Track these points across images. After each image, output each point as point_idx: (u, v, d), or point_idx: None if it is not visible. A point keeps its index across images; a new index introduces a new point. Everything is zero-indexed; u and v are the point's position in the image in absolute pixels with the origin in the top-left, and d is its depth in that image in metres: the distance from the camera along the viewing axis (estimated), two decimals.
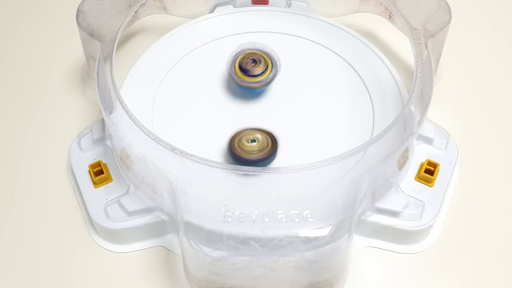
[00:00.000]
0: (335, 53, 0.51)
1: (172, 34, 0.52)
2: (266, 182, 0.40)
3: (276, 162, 0.44)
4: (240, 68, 0.47)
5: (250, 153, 0.43)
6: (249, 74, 0.47)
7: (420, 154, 0.46)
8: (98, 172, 0.45)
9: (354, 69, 0.50)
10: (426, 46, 0.46)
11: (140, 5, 0.50)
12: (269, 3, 0.54)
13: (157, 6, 0.53)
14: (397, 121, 0.42)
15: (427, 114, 0.43)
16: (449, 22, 0.47)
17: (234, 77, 0.47)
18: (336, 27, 0.53)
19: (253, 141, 0.44)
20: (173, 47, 0.51)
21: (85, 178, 0.45)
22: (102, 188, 0.44)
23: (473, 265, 0.44)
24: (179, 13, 0.54)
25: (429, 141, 0.47)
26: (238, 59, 0.47)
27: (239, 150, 0.44)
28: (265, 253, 0.38)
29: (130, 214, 0.43)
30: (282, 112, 0.48)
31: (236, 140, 0.44)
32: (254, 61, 0.47)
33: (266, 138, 0.44)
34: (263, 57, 0.47)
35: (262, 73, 0.47)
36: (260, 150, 0.44)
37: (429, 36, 0.46)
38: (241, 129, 0.45)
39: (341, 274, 0.41)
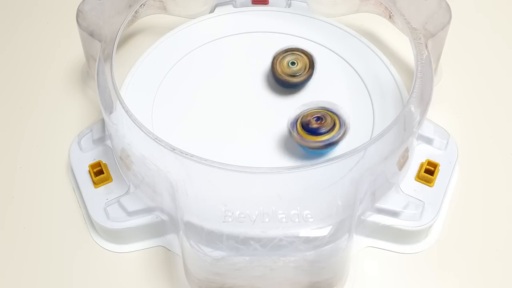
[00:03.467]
0: (335, 53, 0.51)
1: (172, 34, 0.52)
2: (266, 182, 0.40)
3: (275, 162, 0.44)
4: (303, 127, 0.44)
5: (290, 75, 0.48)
6: (314, 132, 0.43)
7: (420, 154, 0.46)
8: (98, 172, 0.45)
9: (354, 69, 0.50)
10: (426, 46, 0.46)
11: (140, 5, 0.50)
12: (269, 3, 0.54)
13: (157, 6, 0.53)
14: (397, 121, 0.42)
15: (427, 114, 0.43)
16: (449, 22, 0.47)
17: (296, 136, 0.44)
18: (336, 27, 0.53)
19: (293, 63, 0.48)
20: (173, 47, 0.51)
21: (85, 178, 0.45)
22: (102, 188, 0.44)
23: (473, 265, 0.44)
24: (179, 13, 0.54)
25: (429, 141, 0.46)
26: (300, 118, 0.44)
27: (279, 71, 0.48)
28: (265, 253, 0.38)
29: (130, 214, 0.43)
30: (283, 112, 0.48)
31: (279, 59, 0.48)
32: (319, 118, 0.44)
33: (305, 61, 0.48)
34: (328, 114, 0.44)
35: (328, 131, 0.43)
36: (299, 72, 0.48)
37: (429, 36, 0.46)
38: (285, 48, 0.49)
39: (341, 274, 0.41)
